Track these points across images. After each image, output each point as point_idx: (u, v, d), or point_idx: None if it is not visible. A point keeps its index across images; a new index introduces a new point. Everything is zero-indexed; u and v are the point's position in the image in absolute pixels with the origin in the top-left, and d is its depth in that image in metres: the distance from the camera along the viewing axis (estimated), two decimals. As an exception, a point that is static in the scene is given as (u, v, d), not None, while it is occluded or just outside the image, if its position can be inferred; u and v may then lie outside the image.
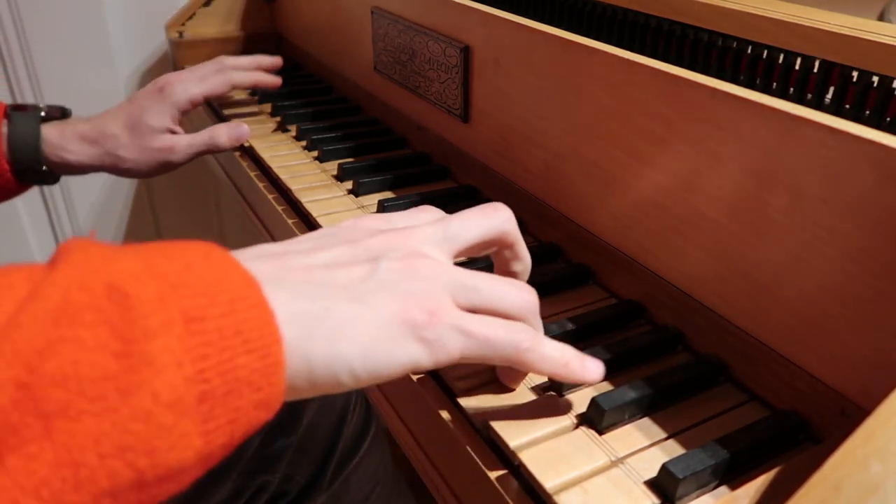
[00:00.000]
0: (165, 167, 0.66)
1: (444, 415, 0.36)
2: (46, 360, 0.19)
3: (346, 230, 0.32)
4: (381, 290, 0.28)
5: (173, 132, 0.67)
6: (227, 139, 0.68)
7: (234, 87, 0.73)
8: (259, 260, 0.27)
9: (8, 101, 0.95)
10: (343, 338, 0.26)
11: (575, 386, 0.37)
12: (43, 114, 0.63)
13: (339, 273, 0.28)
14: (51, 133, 0.62)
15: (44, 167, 0.62)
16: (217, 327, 0.22)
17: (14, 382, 0.19)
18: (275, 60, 0.78)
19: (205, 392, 0.21)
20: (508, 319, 0.31)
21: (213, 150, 0.68)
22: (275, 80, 0.77)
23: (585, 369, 0.33)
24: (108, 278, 0.21)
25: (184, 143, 0.66)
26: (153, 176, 0.68)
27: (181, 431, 0.21)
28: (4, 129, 0.60)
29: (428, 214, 0.36)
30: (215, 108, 0.82)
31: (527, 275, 0.38)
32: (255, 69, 0.76)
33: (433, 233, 0.33)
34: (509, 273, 0.37)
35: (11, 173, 0.61)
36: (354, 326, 0.26)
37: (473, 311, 0.31)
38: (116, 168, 0.65)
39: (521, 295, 0.33)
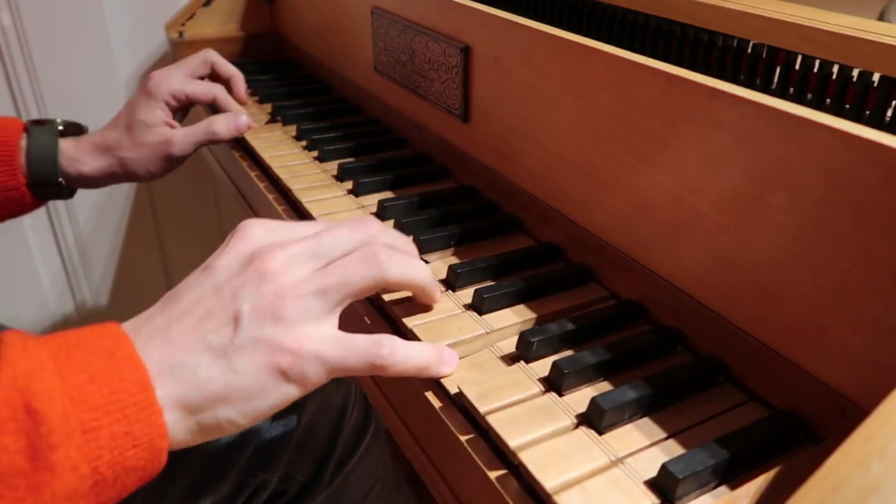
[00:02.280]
0: (169, 161, 0.67)
1: (443, 413, 0.36)
2: None
3: (220, 270, 0.35)
4: (247, 345, 0.32)
5: (170, 125, 0.67)
6: (226, 129, 0.68)
7: (216, 101, 0.71)
8: (151, 344, 0.32)
9: (8, 100, 0.95)
10: (221, 403, 0.31)
11: (577, 386, 0.37)
12: (61, 128, 0.65)
13: (211, 336, 0.32)
14: (67, 146, 0.64)
15: (60, 179, 0.64)
16: (110, 433, 0.28)
17: None
18: (245, 95, 0.76)
19: (98, 482, 0.28)
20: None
21: (212, 141, 0.68)
22: (248, 123, 0.71)
23: (443, 363, 0.37)
24: (28, 398, 0.27)
25: (180, 133, 0.66)
26: (163, 174, 0.68)
27: None
28: (24, 143, 0.62)
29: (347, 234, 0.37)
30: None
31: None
32: (230, 78, 0.75)
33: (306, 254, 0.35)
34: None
35: (27, 187, 0.62)
36: (230, 390, 0.31)
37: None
38: (126, 171, 0.66)
39: (370, 272, 0.35)
